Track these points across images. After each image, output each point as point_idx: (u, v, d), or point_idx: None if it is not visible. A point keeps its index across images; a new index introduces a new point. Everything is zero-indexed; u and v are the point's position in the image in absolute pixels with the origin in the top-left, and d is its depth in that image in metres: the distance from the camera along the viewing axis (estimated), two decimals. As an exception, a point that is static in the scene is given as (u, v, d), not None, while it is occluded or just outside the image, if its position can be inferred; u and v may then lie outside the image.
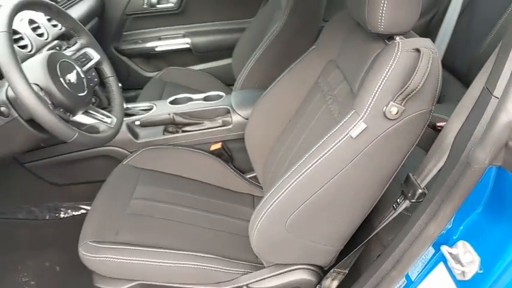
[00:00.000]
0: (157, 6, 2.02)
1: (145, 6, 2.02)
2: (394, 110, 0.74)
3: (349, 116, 0.79)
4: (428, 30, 1.92)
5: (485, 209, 0.66)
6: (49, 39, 1.29)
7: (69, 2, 1.70)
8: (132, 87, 2.21)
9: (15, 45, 1.12)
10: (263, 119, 1.26)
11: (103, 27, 2.02)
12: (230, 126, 1.40)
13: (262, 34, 1.79)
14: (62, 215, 1.47)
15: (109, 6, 2.00)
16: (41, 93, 0.84)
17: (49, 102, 0.85)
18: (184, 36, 2.11)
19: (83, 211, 1.50)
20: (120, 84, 1.36)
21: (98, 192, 1.20)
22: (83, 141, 0.89)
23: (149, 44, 2.09)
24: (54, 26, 1.41)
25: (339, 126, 0.80)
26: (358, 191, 0.84)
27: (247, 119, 1.38)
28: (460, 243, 0.68)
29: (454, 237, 0.71)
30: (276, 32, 1.47)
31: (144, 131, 1.41)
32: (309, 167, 0.82)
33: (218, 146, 1.39)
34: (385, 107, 0.75)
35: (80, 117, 0.99)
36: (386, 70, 0.74)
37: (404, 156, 0.81)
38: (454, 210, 0.68)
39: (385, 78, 0.74)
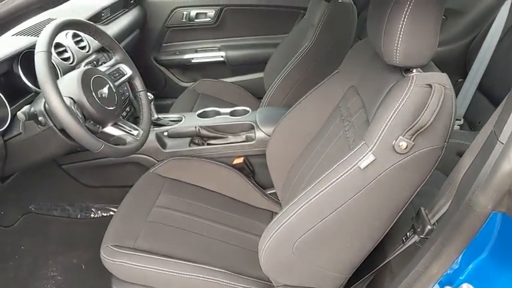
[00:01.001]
0: (196, 20, 2.11)
1: (184, 20, 2.10)
2: (403, 144, 0.74)
3: (359, 147, 0.79)
4: (468, 52, 1.86)
5: (491, 255, 0.64)
6: (90, 52, 1.39)
7: (114, 15, 1.82)
8: (168, 95, 2.31)
9: (59, 57, 1.23)
10: (284, 138, 1.28)
11: (144, 39, 2.13)
12: (253, 142, 1.43)
13: (295, 51, 1.81)
14: (92, 215, 1.57)
15: (151, 19, 2.11)
16: (73, 107, 0.91)
17: (80, 115, 0.92)
18: (219, 49, 2.18)
19: (111, 213, 1.58)
20: (151, 96, 1.44)
21: (124, 197, 1.27)
22: (108, 152, 0.95)
23: (186, 56, 2.18)
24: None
25: (349, 155, 0.80)
26: (366, 221, 0.84)
27: (270, 136, 1.41)
28: (465, 285, 0.67)
29: (461, 277, 0.70)
30: (306, 50, 1.49)
31: (172, 142, 1.47)
32: (318, 192, 0.83)
33: (240, 160, 1.43)
34: (394, 141, 0.74)
35: (109, 129, 1.06)
36: (398, 104, 0.74)
37: (415, 191, 0.80)
38: (458, 252, 0.66)
39: (396, 112, 0.74)
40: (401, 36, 0.75)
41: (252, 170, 1.46)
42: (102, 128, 1.03)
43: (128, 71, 1.18)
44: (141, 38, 2.11)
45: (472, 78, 1.68)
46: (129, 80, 1.19)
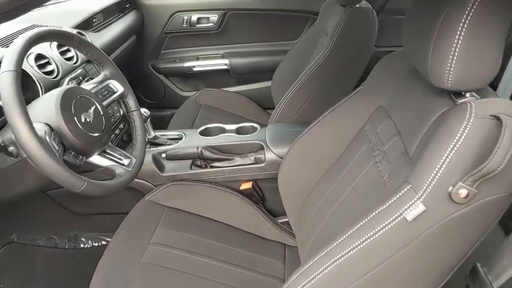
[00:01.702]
0: (197, 25, 1.95)
1: (184, 25, 1.94)
2: (462, 192, 0.57)
3: (404, 191, 0.63)
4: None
5: None
6: (78, 63, 1.23)
7: (107, 20, 1.66)
8: (168, 106, 2.16)
9: (40, 71, 1.07)
10: (300, 162, 1.12)
11: (141, 45, 1.97)
12: (263, 165, 1.27)
13: (306, 60, 1.66)
14: (81, 246, 1.40)
15: (148, 25, 1.95)
16: (48, 137, 0.75)
17: (56, 147, 0.76)
18: (222, 56, 2.02)
19: (103, 242, 1.42)
20: (147, 113, 1.28)
21: (116, 232, 1.11)
22: (92, 191, 0.79)
23: (187, 64, 2.02)
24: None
25: (391, 202, 0.64)
26: (410, 283, 0.68)
27: (282, 157, 1.25)
28: None
29: None
30: (321, 61, 1.33)
31: (171, 164, 1.31)
32: (351, 248, 0.66)
33: (249, 185, 1.26)
34: (451, 188, 0.58)
35: (95, 159, 0.90)
36: (455, 141, 0.58)
37: (472, 246, 0.64)
38: None
39: (453, 151, 0.58)
40: (456, 53, 0.59)
41: (262, 196, 1.30)
42: (87, 158, 0.87)
43: (118, 87, 1.02)
44: (138, 44, 1.95)
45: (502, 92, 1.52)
46: (121, 98, 1.03)
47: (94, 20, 1.52)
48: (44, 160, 0.70)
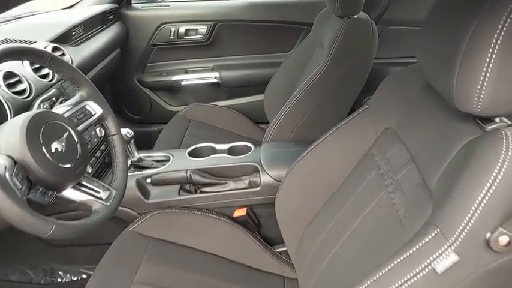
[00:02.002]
0: (185, 37, 1.85)
1: (172, 37, 1.85)
2: (503, 239, 0.48)
3: (431, 236, 0.53)
4: None
5: None
6: (54, 81, 1.12)
7: (88, 33, 1.56)
8: (155, 121, 2.05)
9: (10, 91, 0.95)
10: (299, 187, 1.02)
11: (126, 58, 1.87)
12: (258, 189, 1.16)
13: (300, 72, 1.57)
14: (59, 280, 1.27)
15: (133, 37, 1.85)
16: (8, 173, 0.63)
17: (19, 184, 0.65)
18: (212, 69, 1.92)
19: (83, 276, 1.29)
20: (130, 133, 1.17)
21: (96, 268, 0.99)
22: (62, 233, 0.68)
23: (175, 77, 1.91)
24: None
25: (416, 248, 0.54)
26: None
27: (278, 181, 1.15)
28: None
29: None
30: (318, 75, 1.24)
31: (157, 189, 1.19)
32: None
33: (243, 211, 1.16)
34: (489, 234, 0.49)
35: (69, 193, 0.78)
36: (492, 179, 0.49)
37: None
38: None
39: (490, 191, 0.49)
40: (488, 73, 0.50)
41: (257, 223, 1.19)
42: (58, 193, 0.76)
43: (96, 109, 0.91)
44: (123, 57, 1.85)
45: None
46: (99, 122, 0.92)
47: (73, 33, 1.41)
48: (1, 203, 0.59)
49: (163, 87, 1.96)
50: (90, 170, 1.14)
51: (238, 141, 1.70)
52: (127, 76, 1.93)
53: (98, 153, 1.02)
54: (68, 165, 0.75)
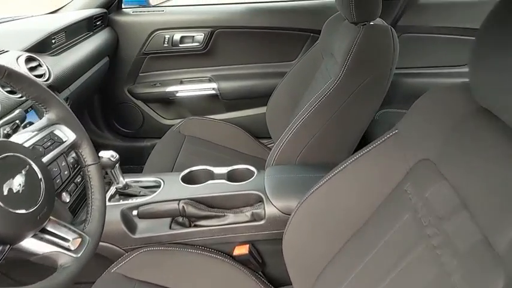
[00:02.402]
0: (180, 45, 1.70)
1: (166, 45, 1.69)
2: None
3: None
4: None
5: None
6: (24, 97, 0.96)
7: (72, 41, 1.40)
8: (147, 135, 1.89)
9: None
10: (311, 224, 0.86)
11: (115, 68, 1.72)
12: (262, 222, 1.00)
13: (307, 84, 1.42)
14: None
15: (124, 44, 1.70)
16: None
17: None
18: (210, 80, 1.77)
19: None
20: (115, 157, 1.01)
21: None
22: None
23: (169, 88, 1.76)
24: (39, 76, 1.09)
25: None
26: None
27: (286, 213, 0.99)
28: None
29: None
30: (330, 90, 1.08)
31: (145, 222, 1.03)
32: None
33: (244, 249, 0.99)
34: None
35: (29, 243, 0.62)
36: None
37: None
38: None
39: None
40: None
41: (261, 261, 1.03)
42: (14, 245, 0.60)
43: (69, 135, 0.75)
44: (112, 67, 1.69)
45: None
46: (72, 149, 0.76)
47: (53, 41, 1.26)
48: None
49: (157, 99, 1.80)
50: (68, 200, 0.98)
51: (238, 161, 1.55)
52: (117, 87, 1.77)
53: (72, 187, 0.86)
54: (23, 211, 0.59)
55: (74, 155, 0.87)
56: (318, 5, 1.70)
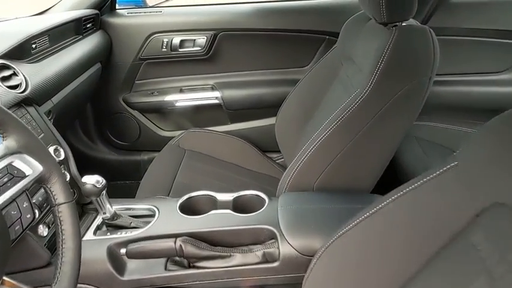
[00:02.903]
0: (180, 50, 1.53)
1: (164, 50, 1.53)
2: None
3: None
4: None
5: None
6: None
7: (57, 45, 1.24)
8: (145, 148, 1.73)
9: None
10: (339, 274, 0.69)
11: (109, 75, 1.56)
12: (276, 264, 0.83)
13: (322, 93, 1.26)
14: None
15: (118, 49, 1.54)
16: None
17: None
18: (213, 88, 1.60)
19: None
20: (101, 183, 0.85)
21: None
22: None
23: (168, 97, 1.59)
24: (14, 87, 0.93)
25: None
26: None
27: (305, 255, 0.82)
28: None
29: None
30: (356, 105, 0.91)
31: (136, 261, 0.87)
32: None
33: (254, 296, 0.83)
34: None
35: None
36: None
37: None
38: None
39: None
40: None
41: (274, 311, 0.86)
42: None
43: (33, 167, 0.58)
44: (105, 73, 1.54)
45: None
46: (39, 184, 0.60)
47: (33, 46, 1.10)
48: None
49: (154, 109, 1.63)
50: (45, 234, 0.82)
51: (244, 179, 1.38)
52: (111, 95, 1.61)
53: (40, 229, 0.70)
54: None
55: (43, 190, 0.71)
56: (335, 4, 1.53)
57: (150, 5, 1.64)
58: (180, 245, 0.82)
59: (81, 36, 1.35)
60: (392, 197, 0.62)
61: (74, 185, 0.99)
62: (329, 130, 0.94)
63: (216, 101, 1.59)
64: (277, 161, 1.54)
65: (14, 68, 0.96)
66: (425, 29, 0.92)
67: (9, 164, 0.57)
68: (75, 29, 1.32)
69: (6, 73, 0.93)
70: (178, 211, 0.93)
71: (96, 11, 1.42)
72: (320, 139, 0.96)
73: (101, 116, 1.67)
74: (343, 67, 1.21)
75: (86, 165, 1.71)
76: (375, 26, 1.03)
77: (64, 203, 0.61)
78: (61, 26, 1.23)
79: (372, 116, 0.92)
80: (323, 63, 1.32)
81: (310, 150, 0.97)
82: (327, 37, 1.51)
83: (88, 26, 1.39)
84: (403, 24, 0.95)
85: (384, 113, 0.92)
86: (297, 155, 1.01)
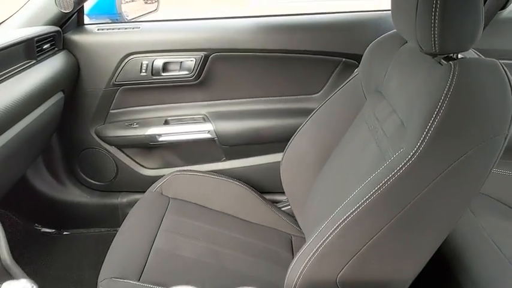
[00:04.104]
0: (163, 74, 1.25)
1: (144, 74, 1.25)
2: None
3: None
4: None
5: None
6: None
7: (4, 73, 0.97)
8: (123, 189, 1.46)
9: None
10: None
11: (76, 104, 1.29)
12: None
13: (341, 132, 0.99)
14: None
15: (87, 73, 1.26)
16: None
17: None
18: (204, 119, 1.32)
19: None
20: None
21: None
22: None
23: (150, 130, 1.31)
24: None
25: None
26: None
27: None
28: None
29: None
30: (396, 176, 0.63)
31: None
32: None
33: None
34: None
35: None
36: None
37: None
38: None
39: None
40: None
41: None
42: None
43: None
44: (71, 103, 1.26)
45: None
46: None
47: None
48: None
49: (134, 144, 1.35)
50: None
51: (243, 237, 1.11)
52: (80, 128, 1.33)
53: None
54: None
55: None
56: (354, 19, 1.25)
57: (128, 18, 1.36)
58: None
59: (34, 61, 1.07)
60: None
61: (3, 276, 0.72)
62: (360, 206, 0.66)
63: (208, 135, 1.31)
64: (283, 208, 1.27)
65: None
66: (496, 63, 0.64)
67: None
68: (26, 52, 1.04)
69: None
70: None
71: (57, 28, 1.15)
72: (347, 217, 0.67)
73: (69, 151, 1.39)
74: (369, 102, 0.93)
75: (52, 211, 1.44)
76: (416, 53, 0.75)
77: None
78: (5, 49, 0.95)
79: (421, 188, 0.63)
80: (342, 93, 1.03)
81: (333, 230, 0.69)
82: (343, 59, 1.22)
83: (45, 47, 1.11)
84: (463, 56, 0.67)
85: (439, 184, 0.63)
86: (309, 210, 0.99)
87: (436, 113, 0.61)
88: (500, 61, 1.16)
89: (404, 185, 0.64)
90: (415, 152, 0.62)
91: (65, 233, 1.47)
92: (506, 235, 0.94)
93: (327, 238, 0.69)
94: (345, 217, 0.67)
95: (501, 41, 1.11)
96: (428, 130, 0.61)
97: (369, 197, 0.65)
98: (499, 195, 1.10)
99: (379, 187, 0.64)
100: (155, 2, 1.55)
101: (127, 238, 1.05)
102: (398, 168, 0.63)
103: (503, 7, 1.11)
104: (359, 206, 0.66)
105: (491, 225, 0.96)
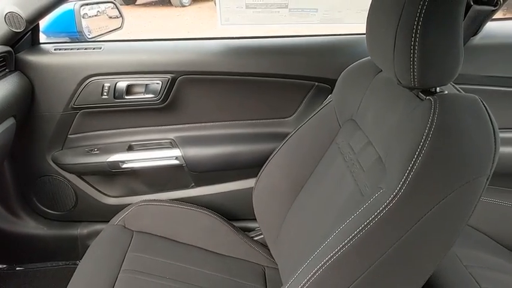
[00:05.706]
0: (127, 97, 1.17)
1: (105, 97, 1.17)
2: None
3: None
4: None
5: None
6: None
7: None
8: (82, 219, 1.35)
9: None
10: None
11: (30, 129, 1.18)
12: None
13: (315, 161, 0.97)
14: None
15: (42, 96, 1.16)
16: None
17: None
18: (172, 144, 1.25)
19: None
20: None
21: None
22: None
23: (112, 157, 1.22)
24: None
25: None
26: None
27: None
28: None
29: None
30: (377, 219, 0.59)
31: None
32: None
33: None
34: None
35: None
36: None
37: None
38: None
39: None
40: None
41: None
42: None
43: None
44: (24, 128, 1.16)
45: None
46: None
47: None
48: None
49: (94, 171, 1.26)
50: None
51: (213, 272, 1.05)
52: (35, 154, 1.23)
53: None
54: None
55: None
56: (325, 43, 1.22)
57: (89, 37, 1.28)
58: None
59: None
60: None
61: None
62: (338, 251, 0.61)
63: (176, 161, 1.23)
64: (255, 237, 1.20)
65: None
66: (477, 101, 0.62)
67: None
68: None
69: None
70: None
71: (8, 48, 1.05)
72: (325, 263, 0.62)
73: (24, 180, 1.27)
74: (343, 130, 0.90)
75: (4, 245, 1.31)
76: (392, 84, 0.72)
77: None
78: None
79: (403, 231, 0.59)
80: (315, 120, 0.99)
81: (310, 277, 0.63)
82: (316, 83, 1.19)
83: (-7, 68, 1.01)
84: (442, 90, 0.65)
85: (420, 226, 0.59)
86: (283, 242, 0.97)
87: (417, 155, 0.57)
88: (473, 87, 1.17)
89: (385, 228, 0.60)
90: (395, 194, 0.58)
91: (18, 268, 1.34)
92: (485, 268, 0.91)
93: (308, 279, 0.63)
94: (322, 262, 0.62)
95: (473, 67, 1.11)
96: (409, 172, 0.57)
97: (347, 242, 0.60)
98: (477, 224, 1.08)
99: (359, 231, 0.60)
100: (119, 17, 1.47)
101: (84, 281, 0.96)
102: (378, 211, 0.59)
103: (475, 33, 1.11)
104: (338, 251, 0.61)
105: (469, 256, 0.94)
